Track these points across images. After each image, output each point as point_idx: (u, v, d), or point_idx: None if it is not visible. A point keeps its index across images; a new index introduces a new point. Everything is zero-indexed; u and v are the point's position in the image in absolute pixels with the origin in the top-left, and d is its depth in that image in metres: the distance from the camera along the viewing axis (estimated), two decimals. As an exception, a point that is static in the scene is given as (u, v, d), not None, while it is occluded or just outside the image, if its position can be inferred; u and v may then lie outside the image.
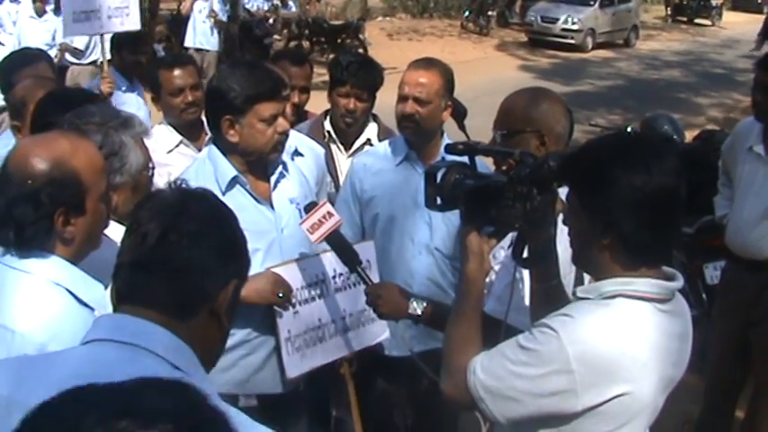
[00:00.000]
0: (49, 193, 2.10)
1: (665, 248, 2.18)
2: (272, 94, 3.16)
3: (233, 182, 3.23)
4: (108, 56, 6.09)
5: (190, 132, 4.43)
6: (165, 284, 1.65)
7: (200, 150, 4.00)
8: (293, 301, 3.23)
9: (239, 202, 3.20)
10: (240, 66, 3.35)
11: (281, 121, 3.19)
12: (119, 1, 5.56)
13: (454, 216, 2.72)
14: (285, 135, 3.24)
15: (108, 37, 6.03)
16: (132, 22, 5.78)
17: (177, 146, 4.39)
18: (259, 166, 3.30)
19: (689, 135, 7.78)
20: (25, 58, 4.72)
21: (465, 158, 2.46)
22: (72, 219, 2.14)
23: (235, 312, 1.78)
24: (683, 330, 2.18)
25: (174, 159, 4.16)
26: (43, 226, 2.10)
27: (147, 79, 4.84)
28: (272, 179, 3.34)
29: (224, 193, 3.16)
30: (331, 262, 3.30)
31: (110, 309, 1.76)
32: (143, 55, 6.54)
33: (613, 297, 2.06)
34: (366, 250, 3.45)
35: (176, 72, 4.45)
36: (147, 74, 4.94)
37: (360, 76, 4.27)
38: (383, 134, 4.41)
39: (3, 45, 11.60)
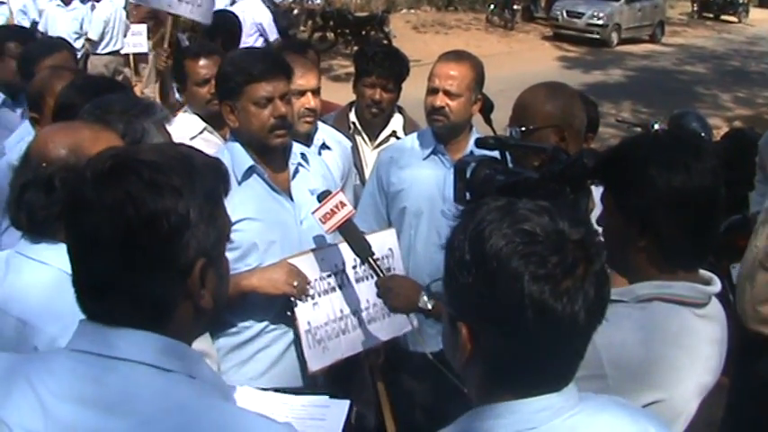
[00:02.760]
0: (63, 178, 2.06)
1: (703, 251, 2.11)
2: (262, 76, 3.10)
3: (249, 171, 3.17)
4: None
5: (214, 120, 4.36)
6: (134, 287, 1.47)
7: (225, 138, 3.95)
8: (311, 292, 3.14)
9: (256, 191, 3.16)
10: (240, 51, 3.33)
11: (278, 103, 3.11)
12: None
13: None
14: (285, 119, 3.14)
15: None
16: (202, 15, 5.71)
17: (201, 132, 4.32)
18: (277, 156, 3.24)
19: (715, 132, 7.69)
20: (47, 47, 4.66)
21: (495, 153, 2.41)
22: None
23: (216, 290, 1.56)
24: (719, 336, 2.12)
25: (198, 146, 4.07)
26: (54, 211, 2.05)
27: (174, 69, 4.78)
28: (291, 170, 3.28)
29: (240, 183, 3.12)
30: (350, 251, 3.21)
31: None
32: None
33: (649, 300, 2.00)
34: (388, 238, 3.40)
35: (202, 62, 4.39)
36: (173, 64, 4.87)
37: (385, 66, 4.26)
38: (409, 126, 4.38)
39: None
